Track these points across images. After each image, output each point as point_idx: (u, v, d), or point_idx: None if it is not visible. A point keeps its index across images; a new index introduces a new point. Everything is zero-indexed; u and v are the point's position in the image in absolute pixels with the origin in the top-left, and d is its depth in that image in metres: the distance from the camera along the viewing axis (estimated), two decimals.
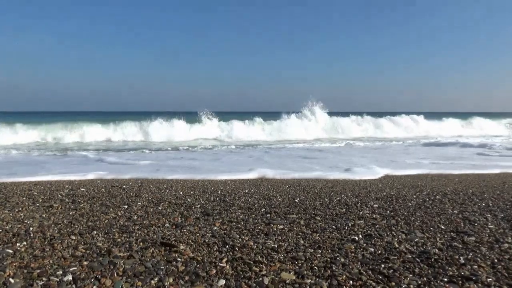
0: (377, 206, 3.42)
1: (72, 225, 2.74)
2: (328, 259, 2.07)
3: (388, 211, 3.21)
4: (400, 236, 2.49)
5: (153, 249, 2.23)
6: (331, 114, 20.86)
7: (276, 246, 2.29)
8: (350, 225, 2.77)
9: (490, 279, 1.80)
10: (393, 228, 2.68)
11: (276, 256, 2.13)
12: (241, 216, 3.03)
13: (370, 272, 1.89)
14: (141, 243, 2.33)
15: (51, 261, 2.01)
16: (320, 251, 2.20)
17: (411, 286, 1.74)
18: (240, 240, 2.42)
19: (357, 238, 2.44)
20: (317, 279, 1.83)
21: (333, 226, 2.73)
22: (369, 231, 2.60)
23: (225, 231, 2.61)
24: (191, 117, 17.87)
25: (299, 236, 2.50)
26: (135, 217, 2.98)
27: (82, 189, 4.21)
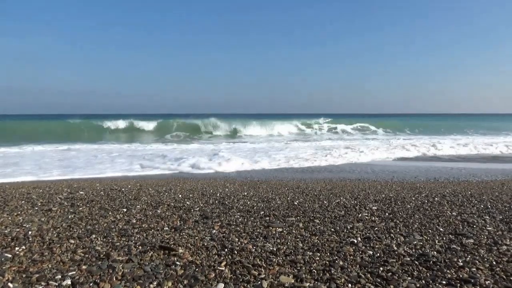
0: (376, 208, 3.43)
1: (71, 228, 2.74)
2: (327, 262, 2.07)
3: (386, 214, 3.21)
4: (398, 239, 2.49)
5: (152, 252, 2.23)
6: None
7: (275, 249, 2.30)
8: (349, 227, 2.77)
9: (489, 282, 1.80)
10: (392, 231, 2.68)
11: (275, 259, 2.13)
12: (240, 219, 3.03)
13: (368, 275, 1.90)
14: (140, 247, 2.32)
15: (50, 266, 2.01)
16: (319, 254, 2.20)
17: None
18: (239, 243, 2.42)
19: (355, 241, 2.44)
20: (316, 282, 1.83)
21: (332, 229, 2.74)
22: (368, 234, 2.60)
23: (224, 234, 2.61)
24: None
25: (298, 239, 2.50)
26: (134, 221, 2.98)
27: (81, 192, 4.21)
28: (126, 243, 2.41)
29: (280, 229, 2.73)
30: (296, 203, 3.69)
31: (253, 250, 2.28)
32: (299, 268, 2.00)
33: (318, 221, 2.96)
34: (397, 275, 1.90)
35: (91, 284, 1.79)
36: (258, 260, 2.11)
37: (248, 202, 3.72)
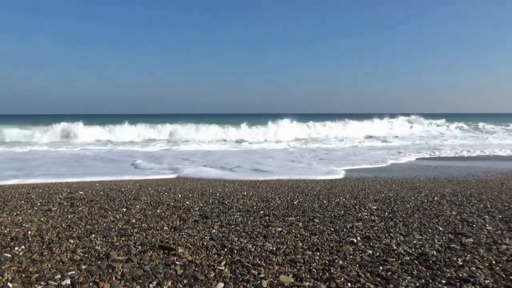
0: (375, 208, 3.43)
1: (71, 228, 2.74)
2: (327, 262, 2.07)
3: (386, 213, 3.21)
4: (398, 238, 2.49)
5: (151, 252, 2.22)
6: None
7: (274, 248, 2.30)
8: (348, 227, 2.77)
9: (488, 281, 1.80)
10: (391, 230, 2.68)
11: (274, 258, 2.13)
12: (239, 219, 3.03)
13: (368, 274, 1.90)
14: (140, 247, 2.32)
15: (49, 265, 2.01)
16: (318, 254, 2.20)
17: None
18: (239, 243, 2.42)
19: (355, 240, 2.44)
20: (316, 281, 1.83)
21: (332, 228, 2.74)
22: (367, 233, 2.60)
23: (224, 234, 2.61)
24: None
25: (297, 239, 2.50)
26: (134, 220, 2.98)
27: (81, 192, 4.20)
28: (126, 242, 2.41)
29: (280, 229, 2.74)
30: (295, 202, 3.69)
31: (253, 249, 2.28)
32: (298, 267, 2.00)
33: (317, 221, 2.96)
34: (396, 274, 1.90)
35: (90, 284, 1.79)
36: (257, 259, 2.11)
37: (248, 202, 3.72)
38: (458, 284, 1.78)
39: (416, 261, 2.07)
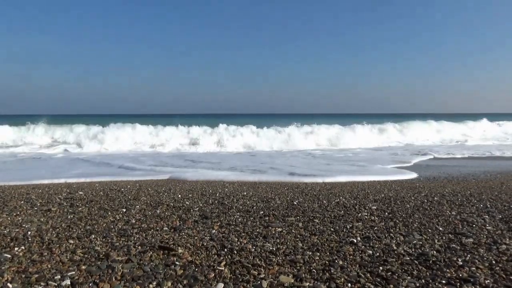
0: (375, 208, 3.43)
1: (70, 229, 2.74)
2: (327, 262, 2.07)
3: (386, 213, 3.21)
4: (398, 238, 2.49)
5: (151, 252, 2.22)
6: None
7: (274, 249, 2.30)
8: (348, 227, 2.77)
9: (488, 281, 1.80)
10: (391, 230, 2.68)
11: (274, 259, 2.13)
12: (239, 219, 3.03)
13: (368, 275, 1.90)
14: (140, 247, 2.32)
15: (49, 266, 2.01)
16: (318, 254, 2.20)
17: None
18: (239, 243, 2.42)
19: (355, 241, 2.44)
20: (316, 282, 1.83)
21: (332, 229, 2.74)
22: (367, 233, 2.60)
23: (224, 234, 2.61)
24: None
25: (297, 239, 2.50)
26: (134, 221, 2.98)
27: (80, 193, 4.20)
28: (126, 243, 2.41)
29: (280, 229, 2.73)
30: (295, 203, 3.69)
31: (253, 250, 2.28)
32: (298, 267, 2.00)
33: (317, 221, 2.96)
34: (396, 274, 1.90)
35: (90, 284, 1.79)
36: (257, 260, 2.11)
37: (248, 202, 3.72)
38: (458, 284, 1.78)
39: (416, 261, 2.07)
